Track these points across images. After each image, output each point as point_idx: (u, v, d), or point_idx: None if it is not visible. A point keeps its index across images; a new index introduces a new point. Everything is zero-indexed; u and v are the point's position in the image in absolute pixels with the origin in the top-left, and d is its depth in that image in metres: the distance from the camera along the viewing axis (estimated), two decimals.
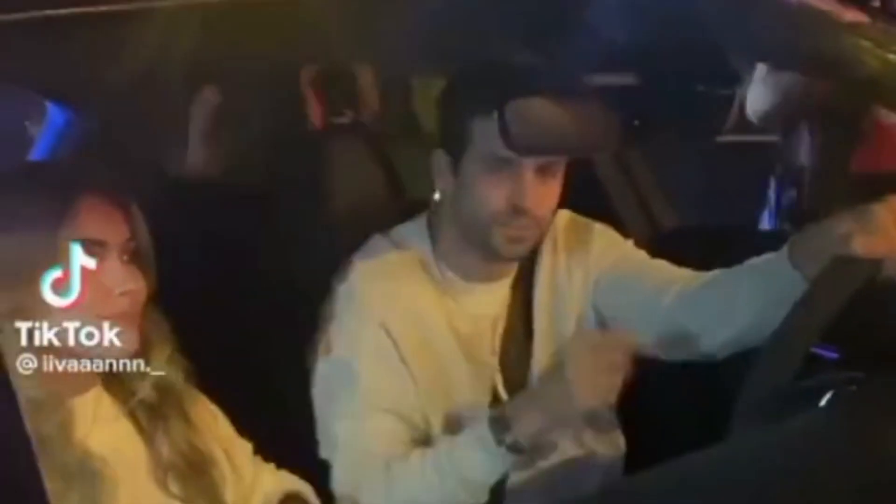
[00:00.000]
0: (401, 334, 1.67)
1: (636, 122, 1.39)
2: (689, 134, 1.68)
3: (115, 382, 1.38)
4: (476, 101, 1.61)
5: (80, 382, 1.35)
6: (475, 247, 1.69)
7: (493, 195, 1.62)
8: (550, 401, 1.54)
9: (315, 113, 2.12)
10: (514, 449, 1.55)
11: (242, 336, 1.81)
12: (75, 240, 1.30)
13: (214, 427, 1.48)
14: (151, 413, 1.38)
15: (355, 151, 2.03)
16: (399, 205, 1.93)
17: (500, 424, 1.54)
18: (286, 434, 1.60)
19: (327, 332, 1.69)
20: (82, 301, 1.30)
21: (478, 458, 1.55)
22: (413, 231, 1.77)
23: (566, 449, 1.77)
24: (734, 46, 1.31)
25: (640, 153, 2.19)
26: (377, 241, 1.77)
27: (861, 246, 1.39)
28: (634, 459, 1.83)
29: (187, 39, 1.46)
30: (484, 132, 1.60)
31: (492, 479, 1.58)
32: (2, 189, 1.34)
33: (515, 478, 1.70)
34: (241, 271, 1.92)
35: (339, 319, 1.68)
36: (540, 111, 1.46)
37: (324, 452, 1.66)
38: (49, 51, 1.51)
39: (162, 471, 1.36)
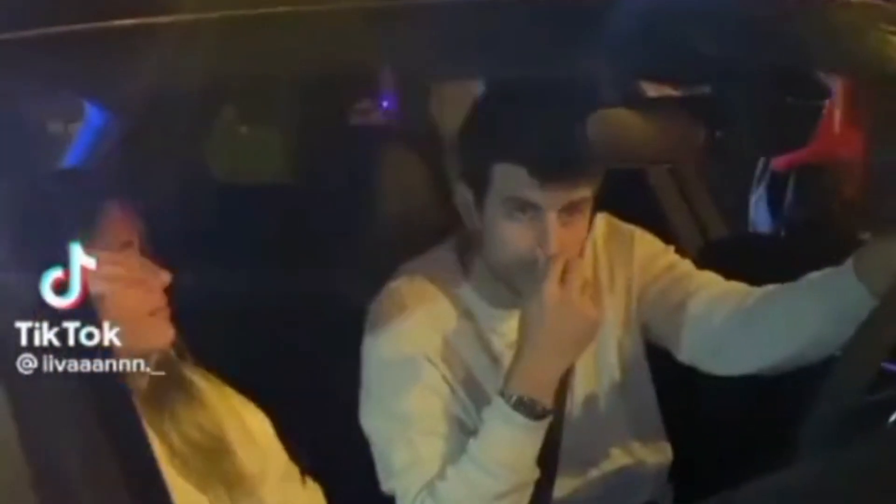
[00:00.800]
0: (442, 360, 1.64)
1: (718, 134, 1.37)
2: (772, 147, 1.66)
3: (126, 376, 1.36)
4: (498, 142, 1.57)
5: None
6: (503, 281, 1.65)
7: (517, 241, 1.57)
8: (534, 346, 1.52)
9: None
10: (527, 409, 1.51)
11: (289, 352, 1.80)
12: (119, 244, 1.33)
13: (224, 406, 1.48)
14: (155, 399, 1.39)
15: (400, 154, 2.01)
16: (446, 210, 1.90)
17: (504, 391, 1.52)
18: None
19: (371, 364, 1.66)
20: (131, 302, 1.32)
21: (502, 433, 1.51)
22: (443, 257, 1.73)
23: (616, 457, 1.77)
24: (817, 60, 1.30)
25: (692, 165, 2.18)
26: (404, 270, 1.73)
27: None
28: (681, 470, 1.83)
29: (220, 47, 1.45)
30: (505, 174, 1.55)
31: (528, 453, 1.54)
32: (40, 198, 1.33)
33: (567, 486, 1.70)
34: (280, 280, 1.90)
35: (377, 349, 1.65)
36: (624, 122, 1.44)
37: (385, 485, 1.63)
38: (92, 57, 1.50)
39: (174, 456, 1.36)
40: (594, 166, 1.56)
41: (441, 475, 1.55)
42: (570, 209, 1.55)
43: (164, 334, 1.38)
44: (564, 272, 1.53)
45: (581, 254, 1.65)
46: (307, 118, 2.18)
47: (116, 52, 1.45)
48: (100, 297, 1.26)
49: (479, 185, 1.60)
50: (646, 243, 1.81)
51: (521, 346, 1.54)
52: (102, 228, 1.32)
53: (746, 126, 1.36)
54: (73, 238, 1.25)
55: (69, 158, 2.18)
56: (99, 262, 1.26)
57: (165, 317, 1.38)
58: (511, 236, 1.58)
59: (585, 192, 1.56)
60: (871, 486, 1.17)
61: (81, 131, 2.20)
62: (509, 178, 1.55)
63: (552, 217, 1.54)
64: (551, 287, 1.52)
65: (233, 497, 1.39)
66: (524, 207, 1.55)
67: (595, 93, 1.50)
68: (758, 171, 3.37)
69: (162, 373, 1.39)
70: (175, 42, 1.32)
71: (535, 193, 1.53)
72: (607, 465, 1.76)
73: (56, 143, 2.26)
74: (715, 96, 1.37)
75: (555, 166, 1.52)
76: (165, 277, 1.36)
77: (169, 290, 1.38)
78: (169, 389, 1.40)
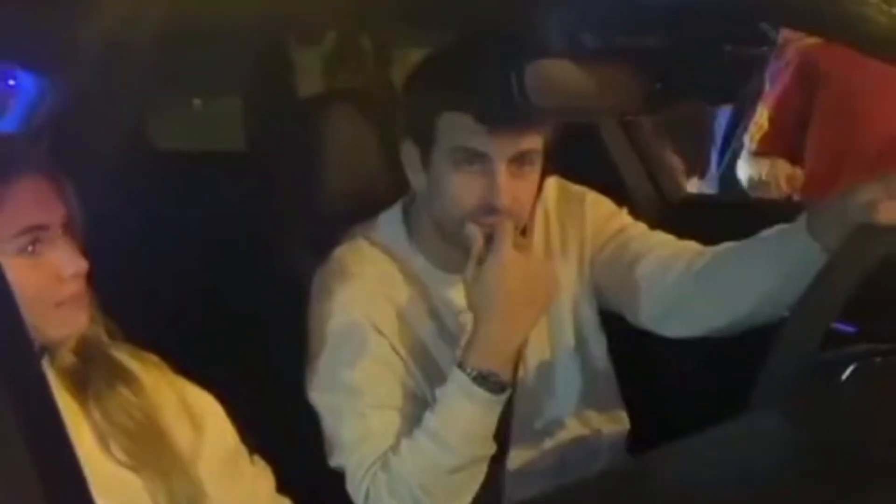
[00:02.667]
0: (390, 329, 1.60)
1: (658, 85, 1.33)
2: (715, 97, 1.63)
3: (48, 353, 1.32)
4: (444, 92, 1.53)
5: None
6: (451, 241, 1.61)
7: (464, 193, 1.54)
8: (493, 316, 1.47)
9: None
10: (487, 383, 1.46)
11: (234, 325, 1.75)
12: (19, 229, 1.24)
13: (163, 388, 1.42)
14: (79, 379, 1.33)
15: (350, 120, 1.96)
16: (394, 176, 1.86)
17: (463, 365, 1.47)
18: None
19: (317, 334, 1.61)
20: (33, 292, 1.24)
21: (461, 407, 1.47)
22: (390, 223, 1.69)
23: (571, 427, 1.73)
24: (754, 10, 1.26)
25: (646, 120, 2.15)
26: (355, 234, 1.69)
27: (885, 215, 1.34)
28: (639, 437, 1.80)
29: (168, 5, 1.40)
30: (452, 124, 1.52)
31: (486, 427, 1.49)
32: None
33: (521, 457, 1.67)
34: (225, 247, 1.86)
35: (323, 319, 1.60)
36: (562, 72, 1.39)
37: (334, 461, 1.58)
38: (20, 19, 1.45)
39: (101, 438, 1.31)
40: (542, 116, 1.51)
41: (394, 449, 1.51)
42: (519, 160, 1.52)
43: (73, 323, 1.30)
44: (517, 237, 1.50)
45: (531, 213, 1.61)
46: (256, 86, 2.15)
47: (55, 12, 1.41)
48: None
49: (426, 139, 1.56)
50: (597, 206, 1.78)
51: (478, 318, 1.49)
52: (11, 208, 1.23)
53: (687, 76, 1.33)
54: None
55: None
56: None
57: (78, 306, 1.30)
58: (459, 188, 1.54)
59: (534, 143, 1.53)
60: (821, 442, 1.16)
61: (15, 97, 2.14)
62: (456, 127, 1.52)
63: (501, 167, 1.51)
64: (507, 252, 1.48)
65: (166, 477, 1.33)
66: (472, 158, 1.52)
67: (539, 43, 1.45)
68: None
69: (83, 354, 1.33)
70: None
71: (482, 142, 1.50)
72: (563, 436, 1.72)
73: None
74: (654, 46, 1.33)
75: (503, 113, 1.47)
76: (82, 265, 1.28)
77: (89, 277, 1.30)
78: (95, 370, 1.34)
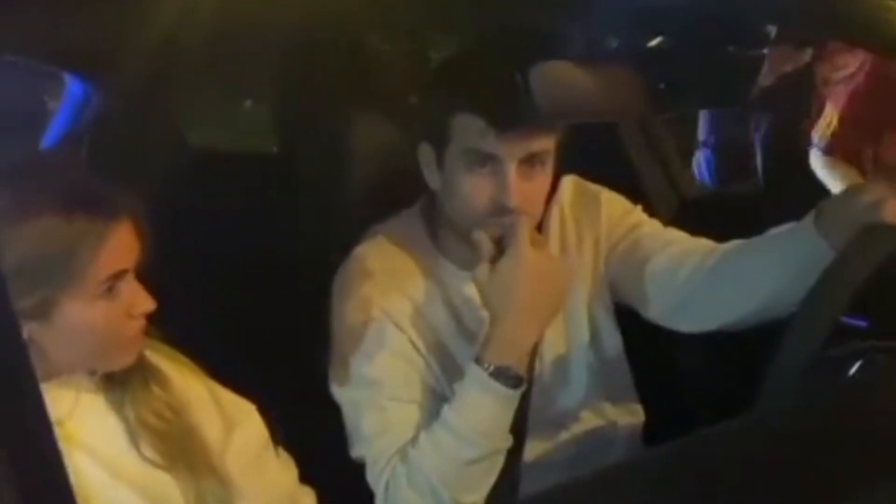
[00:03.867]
0: (409, 325, 1.64)
1: (662, 86, 1.35)
2: (716, 98, 1.64)
3: None
4: (456, 94, 1.56)
5: None
6: (466, 240, 1.63)
7: (476, 194, 1.57)
8: (509, 313, 1.51)
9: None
10: (504, 377, 1.50)
11: (260, 322, 1.79)
12: (109, 274, 1.27)
13: (194, 386, 1.45)
14: (116, 381, 1.36)
15: (378, 124, 2.00)
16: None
17: (480, 360, 1.51)
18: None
19: (339, 330, 1.65)
20: (104, 330, 1.28)
21: (479, 401, 1.50)
22: (409, 221, 1.73)
23: (587, 419, 1.76)
24: (757, 10, 1.28)
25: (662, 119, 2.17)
26: (375, 233, 1.73)
27: (891, 213, 1.36)
28: (654, 430, 1.83)
29: (204, 13, 1.44)
30: (464, 126, 1.55)
31: (503, 420, 1.53)
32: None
33: (537, 449, 1.70)
34: (253, 245, 1.90)
35: (344, 316, 1.65)
36: (567, 75, 1.41)
37: (355, 452, 1.63)
38: (68, 23, 1.49)
39: (133, 437, 1.35)
40: (551, 118, 1.54)
41: (413, 441, 1.55)
42: (529, 161, 1.55)
43: (133, 355, 1.34)
44: (533, 234, 1.53)
45: (546, 212, 1.64)
46: (285, 86, 2.18)
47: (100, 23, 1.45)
48: (74, 323, 1.25)
49: (440, 140, 1.59)
50: (612, 204, 1.81)
51: (494, 314, 1.53)
52: (99, 257, 1.25)
53: (689, 77, 1.35)
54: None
55: (50, 135, 2.18)
56: (82, 293, 1.24)
57: (141, 338, 1.34)
58: (471, 189, 1.57)
59: (545, 144, 1.56)
60: (829, 437, 1.17)
61: (62, 108, 2.20)
62: (468, 129, 1.54)
63: (511, 168, 1.53)
64: (524, 250, 1.51)
65: (196, 475, 1.37)
66: (483, 159, 1.55)
67: (550, 46, 1.48)
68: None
69: None
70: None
71: (493, 144, 1.53)
72: (578, 428, 1.76)
73: (37, 120, 2.27)
74: (657, 48, 1.35)
75: (511, 116, 1.51)
76: (150, 305, 1.32)
77: (149, 315, 1.33)
78: (131, 371, 1.37)
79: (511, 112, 1.50)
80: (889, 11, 1.24)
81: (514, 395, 1.52)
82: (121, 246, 1.27)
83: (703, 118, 3.50)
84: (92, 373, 1.36)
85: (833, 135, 2.99)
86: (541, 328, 1.56)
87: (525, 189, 1.55)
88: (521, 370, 1.52)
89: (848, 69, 2.99)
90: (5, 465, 0.75)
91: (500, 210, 1.55)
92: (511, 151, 1.53)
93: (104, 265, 1.25)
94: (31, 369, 0.79)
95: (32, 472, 0.78)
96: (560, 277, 1.56)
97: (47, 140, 2.18)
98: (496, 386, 1.50)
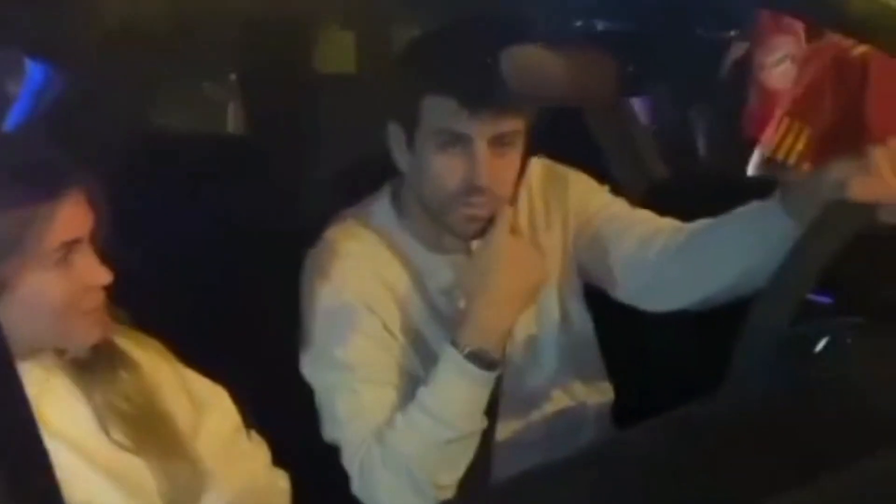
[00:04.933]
0: (381, 307, 1.64)
1: (631, 69, 1.36)
2: (686, 80, 1.66)
3: None
4: (427, 74, 1.57)
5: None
6: (437, 221, 1.65)
7: (447, 174, 1.57)
8: (487, 297, 1.52)
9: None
10: (480, 360, 1.51)
11: (229, 305, 1.79)
12: (58, 244, 1.26)
13: (164, 370, 1.45)
14: (83, 365, 1.36)
15: (348, 104, 2.00)
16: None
17: (457, 342, 1.52)
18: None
19: (310, 313, 1.65)
20: (62, 302, 1.28)
21: (455, 383, 1.52)
22: (379, 204, 1.73)
23: (557, 399, 1.78)
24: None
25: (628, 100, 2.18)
26: (344, 218, 1.73)
27: (857, 191, 1.38)
28: (623, 409, 1.84)
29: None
30: (435, 106, 1.55)
31: (479, 402, 1.54)
32: None
33: (509, 429, 1.71)
34: (219, 229, 1.89)
35: (316, 299, 1.65)
36: (537, 58, 1.42)
37: (329, 435, 1.63)
38: (29, 7, 1.48)
39: (102, 421, 1.35)
40: (522, 98, 1.55)
41: (389, 423, 1.55)
42: (500, 141, 1.55)
43: (97, 331, 1.34)
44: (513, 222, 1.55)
45: (515, 194, 1.65)
46: (249, 66, 2.17)
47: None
48: (24, 294, 1.25)
49: (410, 120, 1.59)
50: (580, 184, 1.82)
51: (472, 298, 1.54)
52: (44, 225, 1.25)
53: (659, 60, 1.36)
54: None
55: (10, 119, 2.16)
56: (30, 262, 1.25)
57: (102, 313, 1.34)
58: (442, 169, 1.58)
59: (515, 125, 1.56)
60: (796, 416, 1.19)
61: (24, 90, 2.17)
62: (439, 109, 1.55)
63: (482, 147, 1.54)
64: (503, 236, 1.53)
65: (166, 458, 1.37)
66: (454, 139, 1.55)
67: (521, 29, 1.49)
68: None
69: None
70: None
71: (464, 124, 1.53)
72: (549, 408, 1.77)
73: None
74: (626, 31, 1.36)
75: (482, 95, 1.51)
76: (106, 277, 1.32)
77: (108, 288, 1.33)
78: (99, 357, 1.37)
79: (482, 92, 1.51)
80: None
81: (490, 378, 1.53)
82: (71, 215, 1.27)
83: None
84: (60, 354, 1.35)
85: (805, 153, 2.81)
86: (516, 313, 1.57)
87: (496, 169, 1.56)
88: (498, 354, 1.53)
89: (781, 51, 2.95)
90: None
91: (471, 190, 1.56)
92: (482, 131, 1.54)
93: (55, 233, 1.25)
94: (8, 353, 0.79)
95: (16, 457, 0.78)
96: (538, 266, 1.58)
97: (7, 125, 2.15)
98: (472, 369, 1.51)
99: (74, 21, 1.71)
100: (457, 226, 1.61)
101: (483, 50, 1.53)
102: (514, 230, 1.56)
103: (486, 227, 1.58)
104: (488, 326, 1.52)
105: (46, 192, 1.26)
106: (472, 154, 1.54)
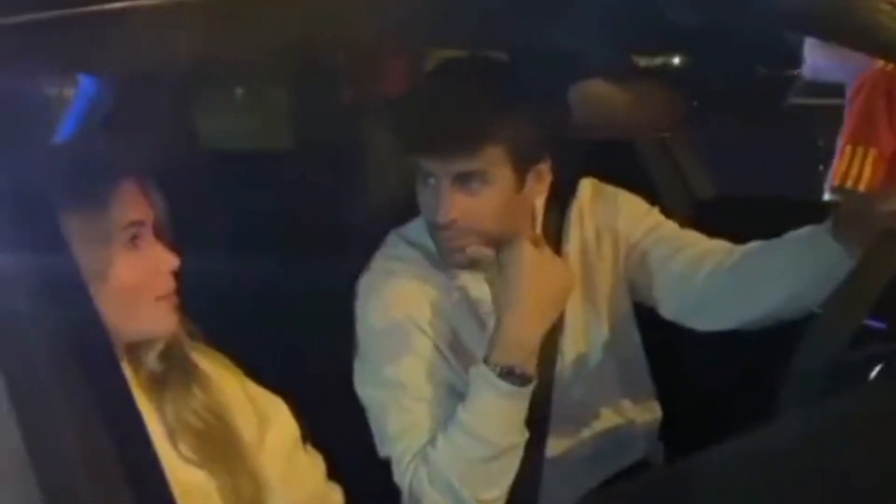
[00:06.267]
0: (431, 326, 1.67)
1: (695, 104, 1.38)
2: (748, 114, 1.68)
3: (130, 355, 1.38)
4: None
5: None
6: None
7: (424, 207, 1.64)
8: (514, 311, 1.54)
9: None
10: (511, 376, 1.53)
11: (287, 323, 1.82)
12: (126, 223, 1.30)
13: (232, 385, 1.48)
14: (157, 380, 1.38)
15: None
16: None
17: (488, 359, 1.54)
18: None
19: (363, 333, 1.69)
20: (135, 286, 1.31)
21: (488, 400, 1.54)
22: (420, 225, 1.75)
23: (606, 417, 1.80)
24: (773, 19, 1.30)
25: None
26: (393, 238, 1.77)
27: None
28: (671, 428, 1.87)
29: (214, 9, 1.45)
30: (409, 141, 1.62)
31: (515, 417, 1.56)
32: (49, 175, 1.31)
33: (559, 446, 1.74)
34: (278, 246, 1.92)
35: (368, 319, 1.69)
36: (602, 92, 1.45)
37: (381, 451, 1.66)
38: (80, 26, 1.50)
39: (171, 436, 1.37)
40: (474, 141, 1.56)
41: (432, 442, 1.58)
42: (464, 178, 1.58)
43: (167, 321, 1.36)
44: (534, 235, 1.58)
45: (564, 213, 1.70)
46: (305, 87, 2.20)
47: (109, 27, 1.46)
48: (102, 277, 1.28)
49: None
50: (630, 204, 1.84)
51: (499, 313, 1.57)
52: (111, 205, 1.29)
53: (721, 95, 1.37)
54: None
55: (65, 128, 2.19)
56: (105, 242, 1.29)
57: (172, 303, 1.36)
58: (421, 202, 1.65)
59: (481, 164, 1.57)
60: (851, 442, 1.20)
61: (75, 100, 2.20)
62: (409, 144, 1.62)
63: (443, 183, 1.58)
64: (524, 250, 1.55)
65: (232, 473, 1.40)
66: (425, 175, 1.61)
67: (579, 63, 1.51)
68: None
69: (165, 356, 1.38)
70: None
71: (429, 161, 1.59)
72: (598, 425, 1.79)
73: (51, 113, 2.28)
74: (690, 66, 1.37)
75: (420, 139, 1.59)
76: (175, 261, 1.35)
77: (178, 275, 1.36)
78: (174, 372, 1.39)
79: (420, 134, 1.58)
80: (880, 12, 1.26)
81: (524, 392, 1.55)
82: (133, 198, 1.32)
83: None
84: (135, 369, 1.37)
85: (874, 177, 2.78)
86: (543, 326, 1.58)
87: (464, 205, 1.59)
88: (529, 369, 1.55)
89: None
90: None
91: (436, 224, 1.62)
92: (444, 169, 1.58)
93: (122, 212, 1.30)
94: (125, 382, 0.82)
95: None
96: (561, 276, 1.59)
97: (60, 135, 2.18)
98: (505, 385, 1.53)
99: (126, 33, 1.73)
100: (444, 256, 1.66)
101: (435, 95, 1.61)
102: (535, 242, 1.58)
103: (471, 259, 1.62)
104: (517, 342, 1.55)
105: (109, 175, 1.31)
106: (436, 189, 1.59)
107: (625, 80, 1.41)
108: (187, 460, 1.37)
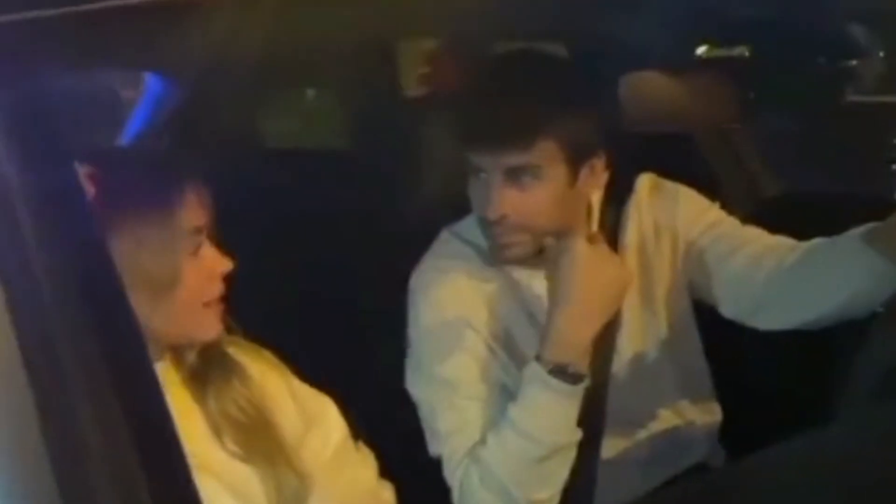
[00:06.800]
0: (482, 324, 1.66)
1: (751, 96, 1.34)
2: (806, 108, 1.63)
3: (175, 355, 1.40)
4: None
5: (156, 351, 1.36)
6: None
7: (476, 202, 1.63)
8: (566, 308, 1.52)
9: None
10: (563, 375, 1.51)
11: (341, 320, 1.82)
12: (191, 228, 1.31)
13: (273, 380, 1.47)
14: (198, 375, 1.39)
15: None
16: None
17: (539, 358, 1.53)
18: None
19: (415, 331, 1.68)
20: (190, 291, 1.32)
21: (540, 399, 1.52)
22: (472, 222, 1.74)
23: (665, 418, 1.76)
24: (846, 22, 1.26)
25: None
26: (445, 236, 1.76)
27: None
28: (731, 430, 1.82)
29: (274, 17, 1.46)
30: (461, 135, 1.61)
31: (566, 416, 1.53)
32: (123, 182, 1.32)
33: (614, 447, 1.70)
34: (330, 244, 1.92)
35: (420, 317, 1.68)
36: (655, 85, 1.41)
37: (433, 450, 1.65)
38: (149, 30, 1.52)
39: (216, 430, 1.38)
40: (526, 135, 1.55)
41: (483, 441, 1.57)
42: (515, 173, 1.57)
43: (213, 328, 1.37)
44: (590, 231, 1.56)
45: (622, 210, 1.69)
46: (363, 86, 2.20)
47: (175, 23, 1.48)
48: (169, 285, 1.30)
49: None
50: (690, 200, 1.80)
51: (552, 311, 1.54)
52: (179, 212, 1.30)
53: (779, 87, 1.33)
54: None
55: (130, 128, 2.23)
56: (172, 249, 1.30)
57: (220, 307, 1.38)
58: (473, 197, 1.64)
59: (525, 159, 1.56)
60: None
61: (141, 101, 2.24)
62: (465, 139, 1.61)
63: (494, 178, 1.58)
64: (580, 246, 1.53)
65: (274, 467, 1.40)
66: (476, 170, 1.60)
67: (629, 55, 1.49)
68: None
69: (205, 352, 1.40)
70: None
71: (479, 156, 1.58)
72: (656, 426, 1.76)
73: (117, 113, 2.32)
74: (747, 57, 1.34)
75: (477, 132, 1.58)
76: (229, 265, 1.36)
77: (228, 280, 1.37)
78: (214, 367, 1.40)
79: (472, 128, 1.57)
80: None
81: (576, 391, 1.53)
82: (195, 203, 1.32)
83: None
84: (177, 365, 1.39)
85: None
86: (597, 324, 1.56)
87: (515, 199, 1.58)
88: (581, 367, 1.53)
89: None
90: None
91: (487, 220, 1.61)
92: (492, 164, 1.57)
93: (188, 217, 1.31)
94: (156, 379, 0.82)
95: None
96: (616, 274, 1.56)
97: (126, 135, 2.22)
98: (557, 384, 1.51)
99: (191, 33, 1.75)
100: (493, 253, 1.65)
101: (489, 90, 1.59)
102: (591, 239, 1.55)
103: (521, 255, 1.62)
104: (570, 340, 1.52)
105: (176, 180, 1.32)
106: (487, 183, 1.59)
107: (680, 73, 1.37)
108: (233, 455, 1.38)
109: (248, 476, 1.39)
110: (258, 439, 1.40)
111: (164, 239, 1.29)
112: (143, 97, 2.24)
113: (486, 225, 1.63)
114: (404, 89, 2.13)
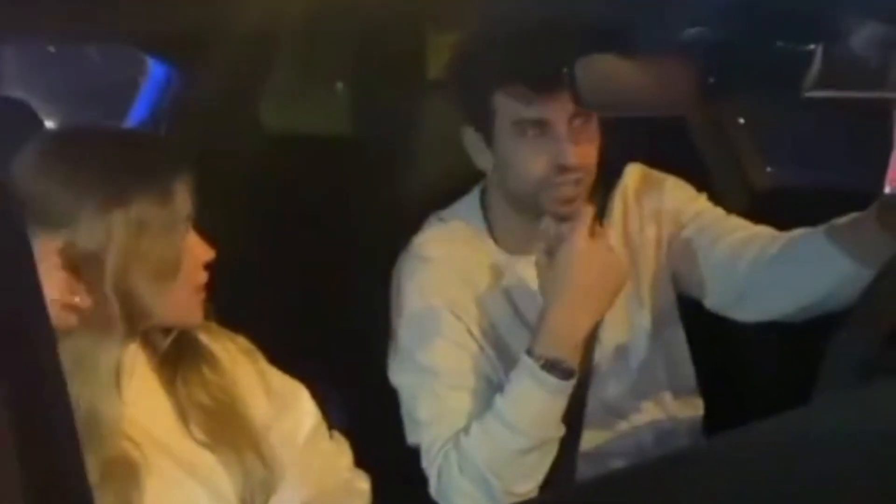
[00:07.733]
0: (466, 313, 1.64)
1: (711, 80, 1.32)
2: (768, 93, 1.60)
3: (145, 339, 1.40)
4: (495, 70, 1.57)
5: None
6: (527, 217, 1.64)
7: (533, 161, 1.58)
8: (562, 302, 1.50)
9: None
10: (555, 370, 1.49)
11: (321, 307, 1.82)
12: (185, 214, 1.33)
13: (242, 365, 1.47)
14: (168, 361, 1.40)
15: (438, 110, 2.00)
16: None
17: (532, 351, 1.51)
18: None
19: (398, 317, 1.67)
20: (183, 277, 1.33)
21: (530, 392, 1.50)
22: (467, 208, 1.73)
23: (647, 410, 1.74)
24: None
25: (731, 110, 2.11)
26: (433, 221, 1.74)
27: None
28: (714, 423, 1.79)
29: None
30: (508, 98, 1.57)
31: (554, 411, 1.52)
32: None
33: (595, 440, 1.69)
34: (313, 228, 1.92)
35: (403, 303, 1.66)
36: (613, 68, 1.39)
37: (410, 438, 1.65)
38: (154, 11, 1.53)
39: (183, 416, 1.38)
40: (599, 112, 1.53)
41: (466, 430, 1.55)
42: (577, 119, 1.55)
43: (201, 311, 1.39)
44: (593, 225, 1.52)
45: (608, 199, 1.68)
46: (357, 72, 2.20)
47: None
48: (171, 267, 1.31)
49: (486, 119, 1.60)
50: (676, 190, 1.78)
51: (547, 305, 1.52)
52: (177, 196, 1.32)
53: (738, 72, 1.31)
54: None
55: (134, 114, 2.24)
56: (172, 232, 1.31)
57: (203, 296, 1.38)
58: (527, 158, 1.59)
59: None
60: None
61: (145, 87, 2.25)
62: (513, 100, 1.56)
63: (562, 129, 1.55)
64: (581, 240, 1.50)
65: (241, 455, 1.39)
66: (534, 126, 1.57)
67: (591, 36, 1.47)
68: None
69: (176, 337, 1.40)
70: None
71: (541, 109, 1.55)
72: (638, 419, 1.74)
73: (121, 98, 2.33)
74: (706, 40, 1.31)
75: (552, 79, 1.50)
76: (211, 253, 1.37)
77: (210, 267, 1.37)
78: (184, 353, 1.41)
79: (551, 74, 1.49)
80: None
81: (566, 386, 1.51)
82: (185, 190, 1.33)
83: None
84: (148, 351, 1.39)
85: None
86: (592, 321, 1.55)
87: (579, 146, 1.57)
88: (573, 363, 1.51)
89: None
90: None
91: (559, 170, 1.57)
92: (559, 112, 1.54)
93: (184, 204, 1.32)
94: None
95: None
96: (616, 270, 1.54)
97: (128, 120, 2.24)
98: (547, 378, 1.50)
99: (195, 21, 1.75)
100: (552, 210, 1.60)
101: (546, 37, 1.53)
102: (593, 233, 1.52)
103: (576, 211, 1.56)
104: (564, 334, 1.51)
105: (174, 169, 1.33)
106: (555, 137, 1.55)
107: (638, 55, 1.35)
108: (199, 442, 1.38)
109: (214, 464, 1.38)
110: (226, 427, 1.40)
111: (166, 223, 1.30)
112: (146, 82, 2.26)
113: (543, 184, 1.58)
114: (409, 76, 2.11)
